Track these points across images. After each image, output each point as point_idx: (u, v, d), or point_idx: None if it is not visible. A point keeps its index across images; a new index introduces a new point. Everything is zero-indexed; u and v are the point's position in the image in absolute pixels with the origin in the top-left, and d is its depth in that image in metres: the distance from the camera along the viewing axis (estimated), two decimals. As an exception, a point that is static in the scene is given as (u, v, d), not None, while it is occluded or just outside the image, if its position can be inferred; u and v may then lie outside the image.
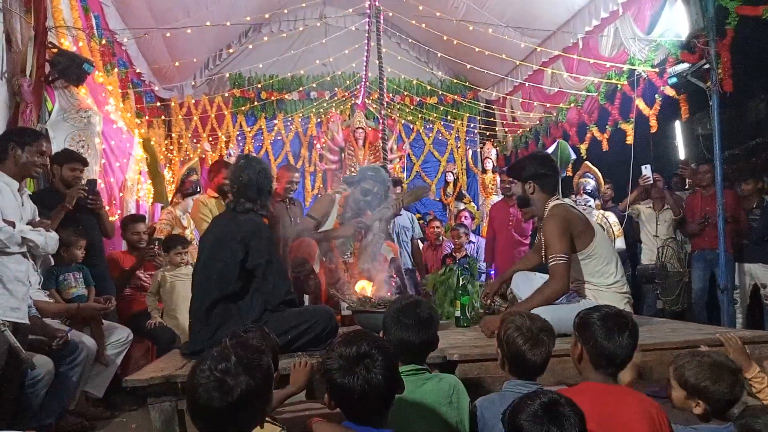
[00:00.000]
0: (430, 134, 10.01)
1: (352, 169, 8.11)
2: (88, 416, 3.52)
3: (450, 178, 9.67)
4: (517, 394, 1.95)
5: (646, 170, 5.65)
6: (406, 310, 1.98)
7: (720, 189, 4.88)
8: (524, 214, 4.59)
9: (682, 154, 7.78)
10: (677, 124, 7.79)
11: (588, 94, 6.97)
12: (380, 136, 6.55)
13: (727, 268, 4.92)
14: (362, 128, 8.40)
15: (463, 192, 9.75)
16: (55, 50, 4.24)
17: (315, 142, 9.42)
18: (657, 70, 5.69)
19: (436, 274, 3.98)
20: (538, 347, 1.95)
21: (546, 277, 3.30)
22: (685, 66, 5.15)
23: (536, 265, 3.50)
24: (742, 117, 10.08)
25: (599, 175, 6.10)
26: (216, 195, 4.64)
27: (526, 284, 3.33)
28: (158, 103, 8.01)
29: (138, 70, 6.85)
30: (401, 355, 1.95)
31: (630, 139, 6.21)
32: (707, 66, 4.89)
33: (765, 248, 5.29)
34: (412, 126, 9.91)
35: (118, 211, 5.24)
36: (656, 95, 5.85)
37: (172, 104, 8.62)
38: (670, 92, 5.56)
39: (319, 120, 9.49)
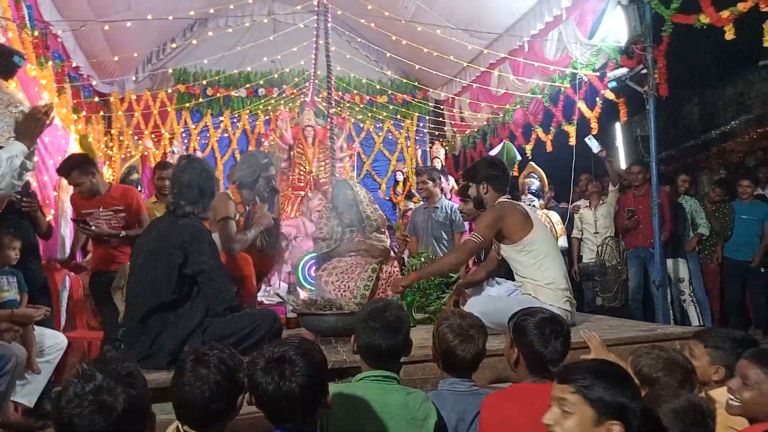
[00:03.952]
0: (381, 133, 10.00)
1: (301, 168, 8.00)
2: (18, 428, 3.34)
3: (400, 177, 9.68)
4: (453, 392, 1.99)
5: (591, 142, 5.79)
6: (374, 313, 1.94)
7: (656, 188, 5.08)
8: (465, 216, 4.65)
9: (622, 155, 8.06)
10: (617, 126, 8.07)
11: (533, 96, 7.11)
12: (328, 134, 6.49)
13: (661, 264, 5.13)
14: (311, 126, 8.28)
15: (413, 191, 9.79)
16: (-19, 42, 4.01)
17: (263, 139, 9.23)
18: (598, 74, 5.85)
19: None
20: (468, 343, 1.99)
21: (496, 288, 3.43)
22: (624, 70, 5.31)
23: (482, 279, 3.70)
24: (677, 120, 10.56)
25: (543, 175, 6.25)
26: (156, 199, 4.50)
27: (473, 291, 3.44)
28: (97, 98, 7.69)
29: (75, 64, 6.55)
30: (370, 360, 1.92)
31: (573, 140, 6.40)
32: (644, 71, 5.07)
33: (678, 244, 5.68)
34: (362, 125, 9.88)
35: (52, 211, 5.01)
36: (597, 98, 6.02)
37: (112, 99, 8.30)
38: (610, 95, 5.72)
39: (267, 117, 9.32)
